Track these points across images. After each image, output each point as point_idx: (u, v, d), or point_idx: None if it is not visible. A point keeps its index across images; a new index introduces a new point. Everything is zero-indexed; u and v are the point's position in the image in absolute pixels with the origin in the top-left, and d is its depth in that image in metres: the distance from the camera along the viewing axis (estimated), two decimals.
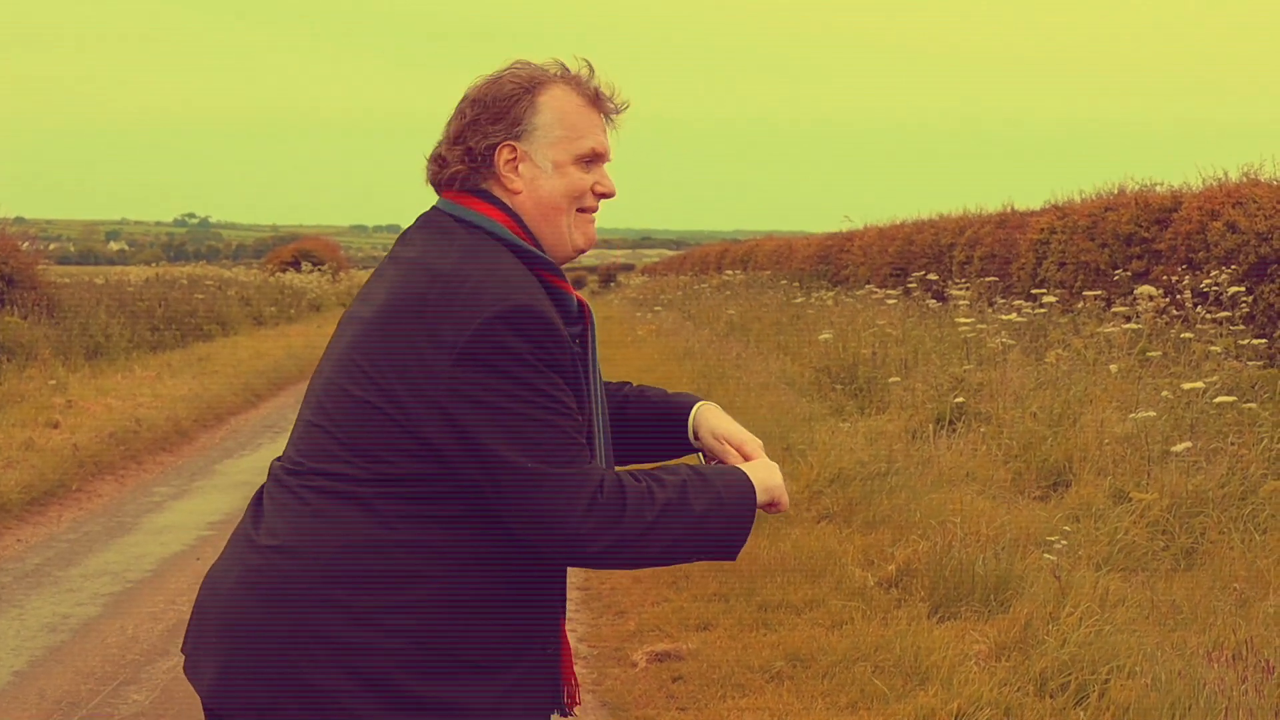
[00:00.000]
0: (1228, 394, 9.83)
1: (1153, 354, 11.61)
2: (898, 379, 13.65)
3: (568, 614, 7.92)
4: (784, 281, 30.01)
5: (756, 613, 7.49)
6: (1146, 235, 15.27)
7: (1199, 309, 12.39)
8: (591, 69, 2.83)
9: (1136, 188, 17.06)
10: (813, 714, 6.01)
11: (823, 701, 6.16)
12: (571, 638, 7.50)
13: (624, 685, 6.61)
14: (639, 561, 2.67)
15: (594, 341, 2.80)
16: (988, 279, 19.12)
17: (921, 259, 24.15)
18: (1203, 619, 6.74)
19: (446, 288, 2.59)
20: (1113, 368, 11.37)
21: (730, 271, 39.05)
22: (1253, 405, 9.68)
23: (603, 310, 46.15)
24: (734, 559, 2.73)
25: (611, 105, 2.84)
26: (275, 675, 2.58)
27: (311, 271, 44.91)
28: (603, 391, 2.87)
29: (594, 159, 2.79)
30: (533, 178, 2.74)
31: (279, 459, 2.79)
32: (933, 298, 20.15)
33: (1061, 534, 7.77)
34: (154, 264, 51.00)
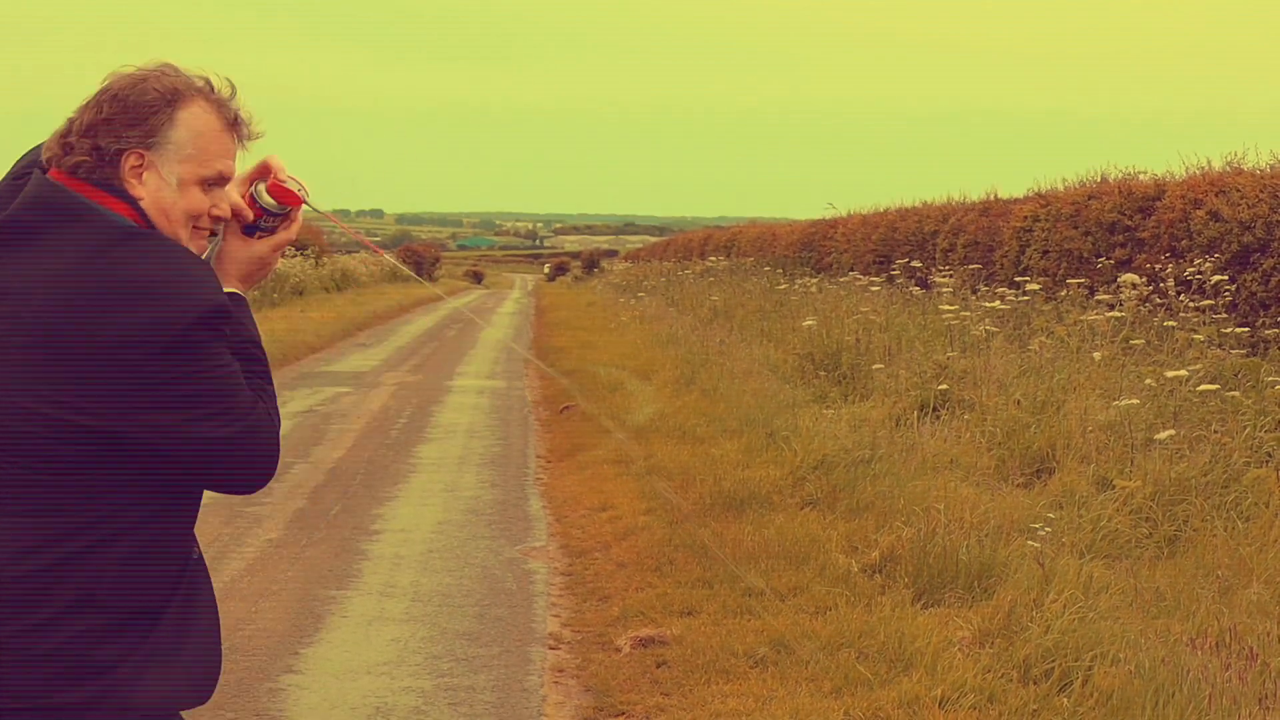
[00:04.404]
0: (1211, 382, 9.85)
1: (1136, 342, 11.63)
2: (881, 366, 13.66)
3: (551, 599, 7.93)
4: (767, 268, 29.99)
5: (740, 598, 7.49)
6: (1130, 223, 15.29)
7: (1182, 297, 12.41)
8: (234, 90, 2.83)
9: (1120, 176, 17.07)
10: (797, 700, 6.01)
11: (807, 687, 6.17)
12: (555, 623, 7.50)
13: (608, 671, 6.61)
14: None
15: None
16: (971, 266, 19.13)
17: (905, 246, 24.15)
18: (1186, 606, 6.76)
19: (133, 285, 2.60)
20: (1096, 355, 11.39)
21: (714, 258, 39.02)
22: (1236, 393, 9.70)
23: (586, 296, 46.13)
24: None
25: (247, 132, 2.85)
26: None
27: (294, 256, 44.77)
28: None
29: (219, 181, 2.80)
30: (157, 188, 2.74)
31: None
32: (916, 285, 20.16)
33: (1045, 521, 7.78)
34: None
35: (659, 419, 13.42)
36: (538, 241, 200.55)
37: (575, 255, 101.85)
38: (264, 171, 2.91)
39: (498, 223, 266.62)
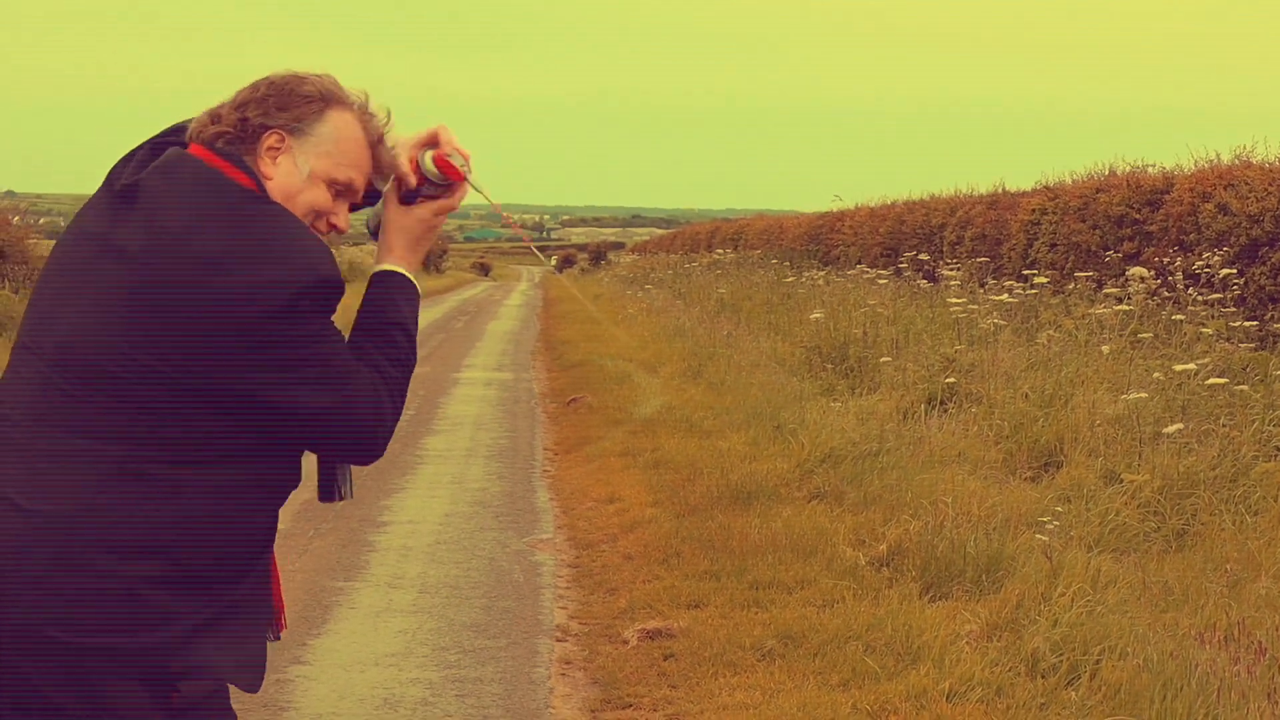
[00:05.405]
0: (1219, 376, 9.84)
1: (1144, 335, 11.61)
2: (889, 359, 13.64)
3: (559, 591, 7.93)
4: (774, 261, 29.97)
5: (748, 591, 7.49)
6: (1138, 217, 15.27)
7: (1190, 291, 12.38)
8: (389, 119, 2.88)
9: (1128, 169, 17.04)
10: (804, 693, 6.01)
11: (814, 680, 6.16)
12: (562, 615, 7.50)
13: (615, 663, 6.61)
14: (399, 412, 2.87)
15: None
16: (979, 259, 19.11)
17: (912, 239, 24.13)
18: (1194, 600, 6.75)
19: (246, 247, 2.63)
20: (1104, 349, 11.38)
21: (721, 250, 38.98)
22: (1244, 387, 9.69)
23: (593, 288, 46.13)
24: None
25: (386, 157, 2.88)
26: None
27: None
28: None
29: (345, 191, 2.84)
30: (288, 173, 2.77)
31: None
32: (924, 278, 20.13)
33: (1053, 514, 7.77)
34: None
35: (666, 411, 13.41)
36: (545, 234, 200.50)
37: (582, 247, 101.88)
38: (432, 140, 2.91)
39: (504, 214, 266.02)
